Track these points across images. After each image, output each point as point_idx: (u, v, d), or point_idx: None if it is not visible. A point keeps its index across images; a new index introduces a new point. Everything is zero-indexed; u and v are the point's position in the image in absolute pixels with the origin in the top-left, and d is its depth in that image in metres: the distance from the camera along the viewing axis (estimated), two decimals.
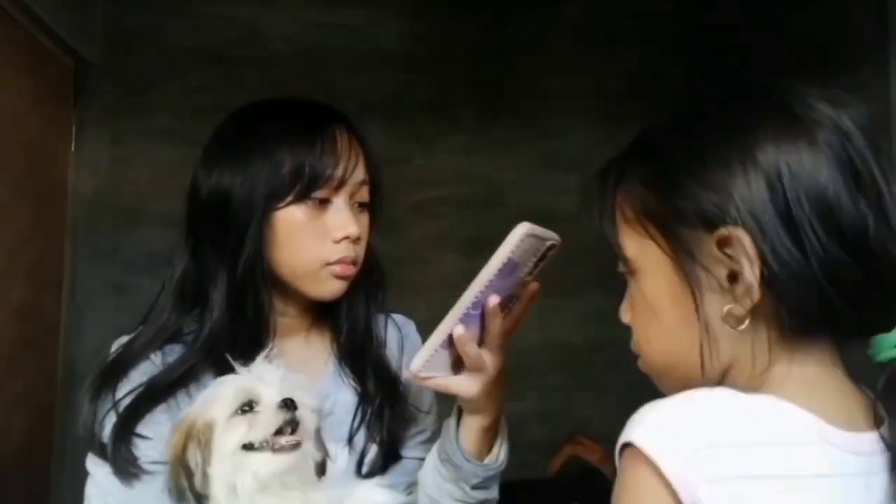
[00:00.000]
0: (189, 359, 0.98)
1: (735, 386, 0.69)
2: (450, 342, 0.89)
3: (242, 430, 0.87)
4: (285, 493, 0.89)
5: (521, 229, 0.86)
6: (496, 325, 0.94)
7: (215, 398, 0.89)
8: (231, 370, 0.93)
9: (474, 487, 0.98)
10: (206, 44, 3.12)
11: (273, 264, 0.99)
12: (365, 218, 1.05)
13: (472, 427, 0.99)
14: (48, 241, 2.80)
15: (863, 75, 2.55)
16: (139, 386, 0.97)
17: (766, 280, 0.65)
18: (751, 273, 0.65)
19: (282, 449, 0.88)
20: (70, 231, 2.94)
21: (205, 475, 0.86)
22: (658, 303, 0.73)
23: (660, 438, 0.64)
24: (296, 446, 0.88)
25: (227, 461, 0.87)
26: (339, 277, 1.01)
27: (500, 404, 1.04)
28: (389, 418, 1.04)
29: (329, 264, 0.99)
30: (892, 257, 0.65)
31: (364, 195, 1.03)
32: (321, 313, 1.09)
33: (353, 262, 1.02)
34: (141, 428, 0.95)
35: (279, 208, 0.97)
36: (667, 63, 3.32)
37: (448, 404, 1.05)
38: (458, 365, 0.92)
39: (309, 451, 0.91)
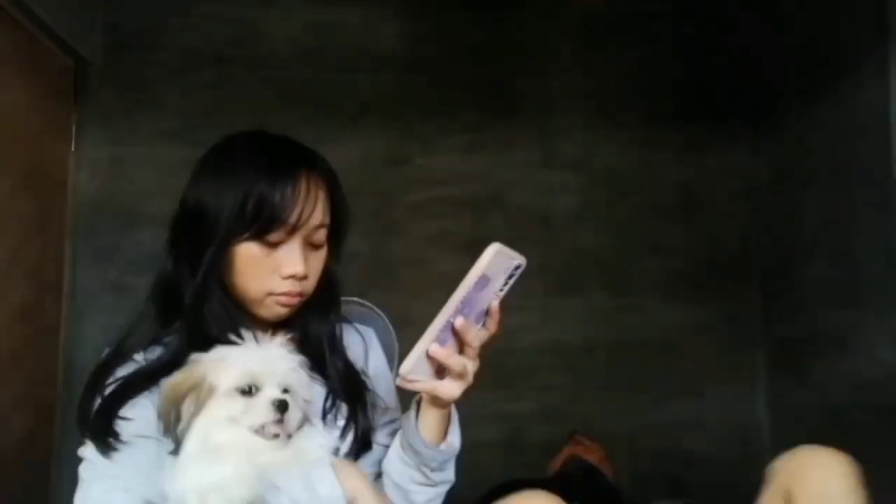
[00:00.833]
0: (163, 358, 1.09)
1: None
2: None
3: (236, 408, 0.97)
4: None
5: (493, 248, 0.98)
6: (472, 337, 1.04)
7: (227, 366, 0.98)
8: None
9: (434, 470, 1.12)
10: (206, 44, 3.12)
11: (227, 286, 1.11)
12: (318, 255, 1.13)
13: (430, 418, 1.11)
14: (48, 241, 2.79)
15: (863, 75, 2.55)
16: (118, 380, 1.07)
17: None
18: None
19: (262, 434, 0.98)
20: (70, 231, 2.94)
21: (188, 425, 0.96)
22: None
23: None
24: (275, 436, 0.99)
25: (212, 424, 0.97)
26: (282, 305, 1.12)
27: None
28: (359, 412, 1.15)
29: (274, 294, 1.10)
30: None
31: (319, 237, 1.12)
32: (282, 324, 1.17)
33: (299, 294, 1.12)
34: (123, 411, 1.05)
35: (237, 241, 1.08)
36: (667, 63, 3.32)
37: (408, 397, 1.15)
38: (441, 369, 1.04)
39: (285, 441, 1.01)
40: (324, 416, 1.12)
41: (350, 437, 1.12)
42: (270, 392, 0.98)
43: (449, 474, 1.15)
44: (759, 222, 3.26)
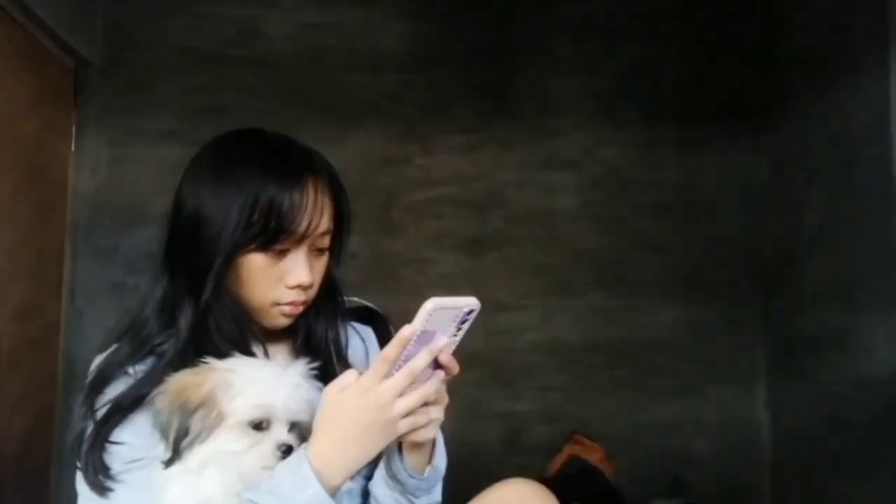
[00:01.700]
0: (157, 374, 1.03)
1: None
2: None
3: (242, 444, 0.94)
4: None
5: (429, 305, 0.89)
6: (429, 391, 0.94)
7: (240, 391, 0.94)
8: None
9: (419, 496, 1.07)
10: (206, 44, 3.12)
11: (231, 296, 1.06)
12: (322, 260, 1.10)
13: (413, 450, 1.04)
14: (48, 241, 2.80)
15: (862, 75, 2.55)
16: (109, 402, 1.02)
17: None
18: None
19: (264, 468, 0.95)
20: (70, 231, 2.94)
21: (191, 445, 0.93)
22: None
23: None
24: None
25: (216, 454, 0.94)
26: (286, 315, 1.08)
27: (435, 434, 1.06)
28: None
29: (279, 304, 1.07)
30: None
31: (324, 242, 1.08)
32: (286, 330, 1.14)
33: (304, 303, 1.08)
34: (114, 436, 1.00)
35: (243, 253, 1.04)
36: (667, 63, 3.32)
37: None
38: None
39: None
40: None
41: None
42: (279, 432, 0.94)
43: (435, 496, 1.10)
44: (759, 222, 3.25)
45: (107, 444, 0.99)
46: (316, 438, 0.93)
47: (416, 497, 1.06)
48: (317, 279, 1.08)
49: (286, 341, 1.14)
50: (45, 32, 2.66)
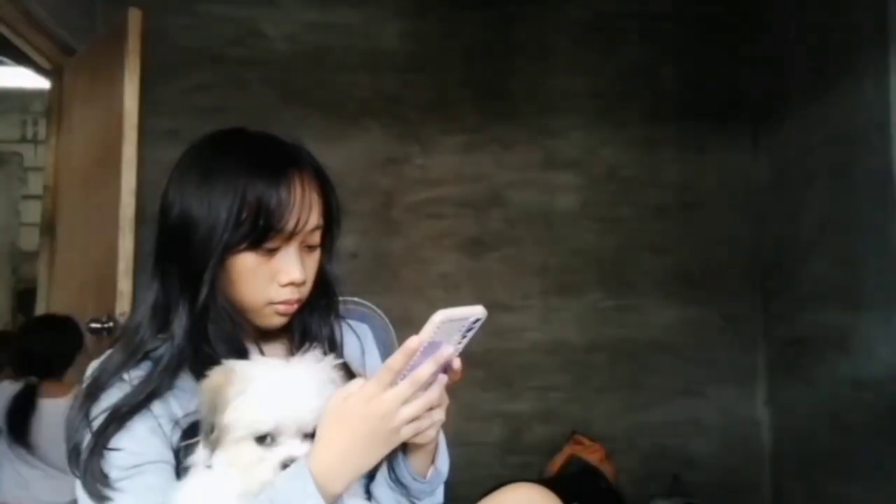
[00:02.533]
0: (152, 381, 1.02)
1: None
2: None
3: (248, 459, 0.93)
4: None
5: (437, 318, 0.89)
6: (433, 397, 0.94)
7: (248, 402, 0.93)
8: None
9: (421, 499, 1.07)
10: (206, 44, 3.12)
11: (224, 297, 1.05)
12: (314, 256, 1.08)
13: (417, 452, 1.04)
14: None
15: (862, 75, 2.55)
16: (106, 410, 1.00)
17: None
18: None
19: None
20: None
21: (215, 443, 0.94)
22: None
23: None
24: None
25: (224, 465, 0.93)
26: (280, 314, 1.06)
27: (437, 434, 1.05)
28: None
29: (273, 303, 1.05)
30: None
31: (315, 238, 1.06)
32: (278, 331, 1.13)
33: (298, 301, 1.07)
34: (112, 443, 0.99)
35: (234, 253, 1.02)
36: (667, 63, 3.32)
37: None
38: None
39: None
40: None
41: None
42: (285, 448, 0.92)
43: (437, 498, 1.10)
44: (759, 222, 3.26)
45: (105, 452, 0.98)
46: (318, 446, 0.92)
47: (419, 499, 1.06)
48: (309, 276, 1.07)
49: (281, 340, 1.13)
50: (45, 32, 2.66)
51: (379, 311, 1.28)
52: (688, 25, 3.34)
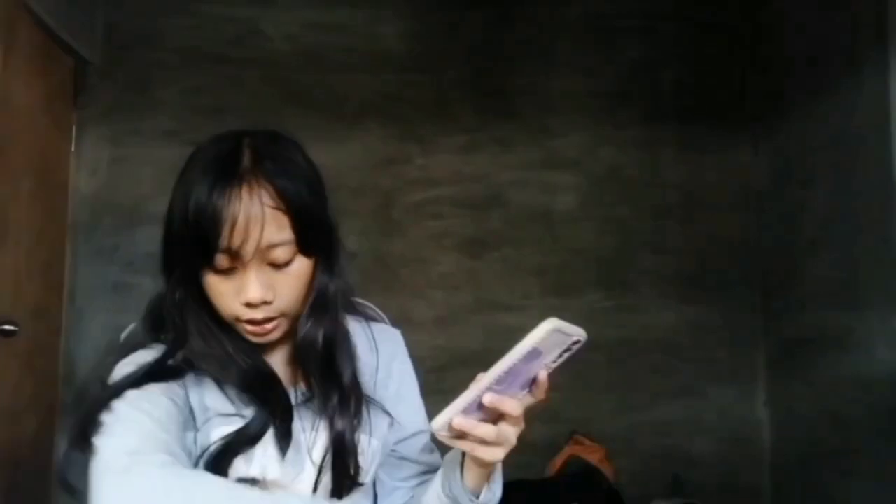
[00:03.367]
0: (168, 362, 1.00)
1: None
2: (478, 406, 0.92)
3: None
4: None
5: (548, 325, 0.89)
6: (509, 408, 0.93)
7: None
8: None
9: None
10: (206, 44, 3.12)
11: (211, 309, 1.01)
12: (288, 272, 0.99)
13: (475, 469, 1.01)
14: (53, 242, 2.80)
15: (862, 75, 2.55)
16: (127, 372, 0.98)
17: None
18: None
19: None
20: (70, 231, 2.94)
21: None
22: None
23: None
24: None
25: None
26: (251, 333, 1.00)
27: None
28: (349, 445, 1.04)
29: (241, 321, 0.99)
30: None
31: (279, 256, 0.96)
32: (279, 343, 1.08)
33: (266, 321, 0.99)
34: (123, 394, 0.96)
35: (199, 267, 0.98)
36: (667, 63, 3.32)
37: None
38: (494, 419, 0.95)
39: None
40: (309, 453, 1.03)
41: (329, 475, 1.03)
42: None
43: None
44: (759, 222, 3.26)
45: (112, 403, 0.93)
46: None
47: None
48: (283, 294, 0.98)
49: (280, 351, 1.09)
50: (45, 32, 2.66)
51: (379, 312, 1.25)
52: (688, 25, 3.34)
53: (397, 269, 3.12)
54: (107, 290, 2.95)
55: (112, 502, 0.82)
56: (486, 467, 0.99)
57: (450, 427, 0.89)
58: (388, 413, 1.11)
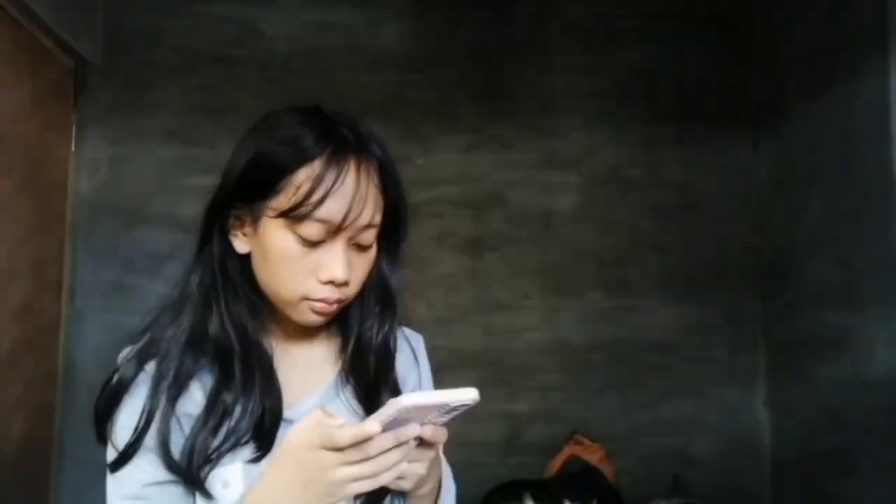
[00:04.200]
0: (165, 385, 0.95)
1: None
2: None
3: None
4: None
5: (406, 401, 0.78)
6: (387, 459, 0.82)
7: None
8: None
9: None
10: (206, 44, 3.12)
11: (258, 281, 0.98)
12: (365, 256, 0.98)
13: (414, 498, 0.96)
14: (48, 241, 2.80)
15: (863, 75, 2.55)
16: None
17: None
18: None
19: None
20: (70, 231, 2.94)
21: None
22: None
23: None
24: None
25: None
26: (316, 312, 0.96)
27: (437, 475, 0.97)
28: None
29: (309, 299, 0.95)
30: None
31: (366, 238, 0.96)
32: (320, 330, 1.04)
33: (338, 302, 0.96)
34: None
35: (267, 213, 0.94)
36: (667, 63, 3.32)
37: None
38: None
39: None
40: None
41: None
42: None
43: None
44: (759, 222, 3.26)
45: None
46: (263, 479, 0.87)
47: None
48: (356, 278, 0.97)
49: (322, 340, 1.05)
50: (45, 32, 2.66)
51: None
52: (688, 25, 3.34)
53: (401, 269, 3.12)
54: (107, 290, 2.95)
55: None
56: (421, 493, 0.94)
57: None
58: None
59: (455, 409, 0.83)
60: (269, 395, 0.97)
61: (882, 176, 2.44)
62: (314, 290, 0.94)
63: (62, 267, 2.89)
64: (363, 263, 0.98)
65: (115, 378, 0.96)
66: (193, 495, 0.93)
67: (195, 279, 0.98)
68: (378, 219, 0.96)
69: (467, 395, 0.81)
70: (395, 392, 1.04)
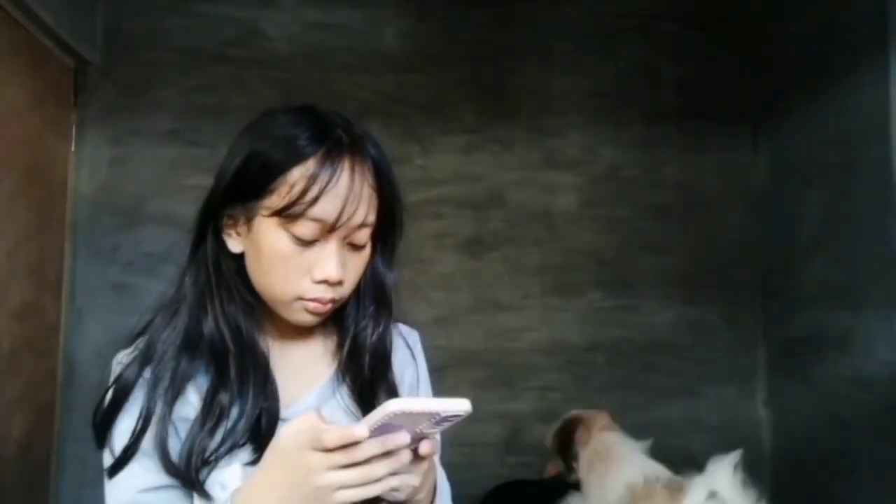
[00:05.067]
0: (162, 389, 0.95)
1: None
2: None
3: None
4: None
5: (390, 407, 0.76)
6: (376, 470, 0.81)
7: None
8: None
9: None
10: (206, 44, 3.12)
11: (251, 280, 0.98)
12: (359, 256, 0.99)
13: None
14: (48, 241, 2.80)
15: (863, 76, 2.55)
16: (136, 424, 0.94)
17: None
18: None
19: None
20: (70, 231, 2.94)
21: None
22: None
23: None
24: None
25: None
26: (310, 312, 0.97)
27: (432, 480, 0.95)
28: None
29: (303, 299, 0.95)
30: None
31: (361, 237, 0.97)
32: (315, 330, 1.04)
33: (331, 301, 0.97)
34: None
35: (261, 212, 0.94)
36: (667, 63, 3.32)
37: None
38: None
39: None
40: None
41: None
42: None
43: None
44: (759, 222, 3.26)
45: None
46: (251, 478, 0.86)
47: None
48: (350, 277, 0.97)
49: (318, 340, 1.06)
50: (45, 32, 2.66)
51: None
52: (688, 25, 3.34)
53: (397, 269, 3.12)
54: (106, 290, 2.95)
55: None
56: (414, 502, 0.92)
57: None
58: None
59: (446, 419, 0.81)
60: (266, 395, 0.96)
61: (882, 176, 2.44)
62: (308, 290, 0.95)
63: (62, 267, 2.89)
64: (357, 263, 0.99)
65: (115, 385, 0.96)
66: (191, 498, 0.93)
67: (189, 279, 0.99)
68: (372, 218, 0.97)
69: (459, 405, 0.80)
70: (392, 391, 1.04)
